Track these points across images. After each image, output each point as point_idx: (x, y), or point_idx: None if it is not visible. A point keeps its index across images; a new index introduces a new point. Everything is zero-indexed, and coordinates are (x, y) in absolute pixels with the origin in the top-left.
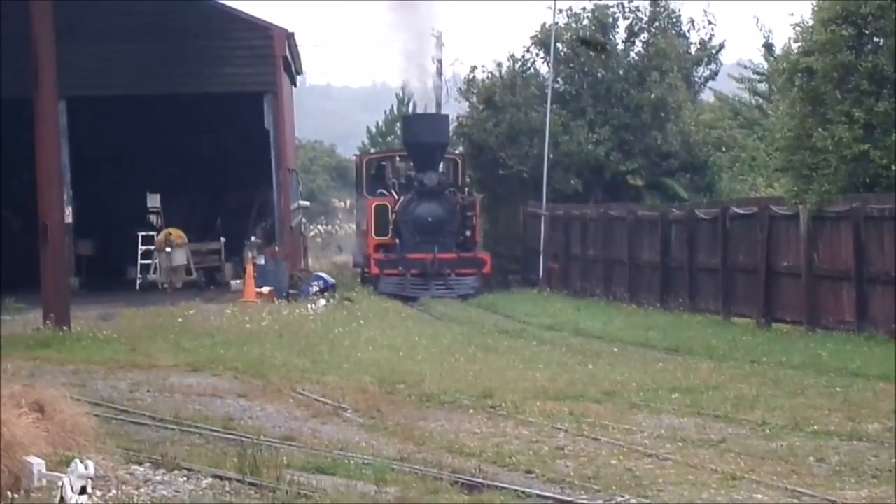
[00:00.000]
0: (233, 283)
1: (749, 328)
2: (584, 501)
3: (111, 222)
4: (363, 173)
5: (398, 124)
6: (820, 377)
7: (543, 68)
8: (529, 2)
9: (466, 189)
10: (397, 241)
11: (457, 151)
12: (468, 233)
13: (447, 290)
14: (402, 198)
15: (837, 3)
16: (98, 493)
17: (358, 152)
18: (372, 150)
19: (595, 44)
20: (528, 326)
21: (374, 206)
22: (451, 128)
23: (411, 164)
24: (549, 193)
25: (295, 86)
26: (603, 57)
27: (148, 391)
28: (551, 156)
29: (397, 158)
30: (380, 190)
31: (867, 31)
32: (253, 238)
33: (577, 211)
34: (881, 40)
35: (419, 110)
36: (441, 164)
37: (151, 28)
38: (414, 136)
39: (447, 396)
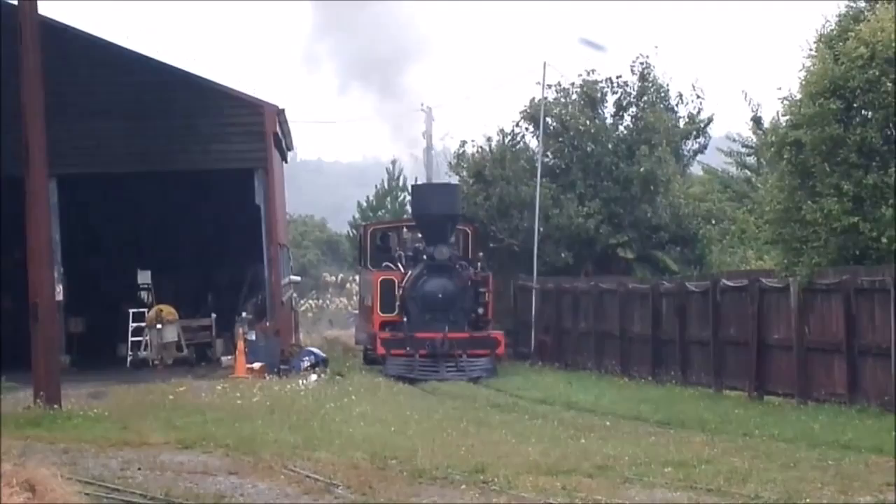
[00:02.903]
0: (224, 359)
1: (741, 401)
2: None
3: (102, 299)
4: (367, 245)
5: (388, 199)
6: (812, 450)
7: (533, 142)
8: (518, 77)
9: (479, 264)
10: (405, 318)
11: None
12: (480, 310)
13: (458, 373)
14: (409, 272)
15: (825, 76)
16: None
17: (352, 226)
18: (363, 222)
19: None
20: (519, 400)
21: (379, 280)
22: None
23: (419, 235)
24: (540, 266)
25: (286, 161)
26: (592, 131)
27: (139, 469)
28: (541, 229)
29: (404, 229)
30: (385, 263)
31: (855, 105)
32: (244, 314)
33: (568, 284)
34: (869, 113)
35: (409, 185)
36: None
37: (142, 106)
38: (424, 206)
39: (439, 472)
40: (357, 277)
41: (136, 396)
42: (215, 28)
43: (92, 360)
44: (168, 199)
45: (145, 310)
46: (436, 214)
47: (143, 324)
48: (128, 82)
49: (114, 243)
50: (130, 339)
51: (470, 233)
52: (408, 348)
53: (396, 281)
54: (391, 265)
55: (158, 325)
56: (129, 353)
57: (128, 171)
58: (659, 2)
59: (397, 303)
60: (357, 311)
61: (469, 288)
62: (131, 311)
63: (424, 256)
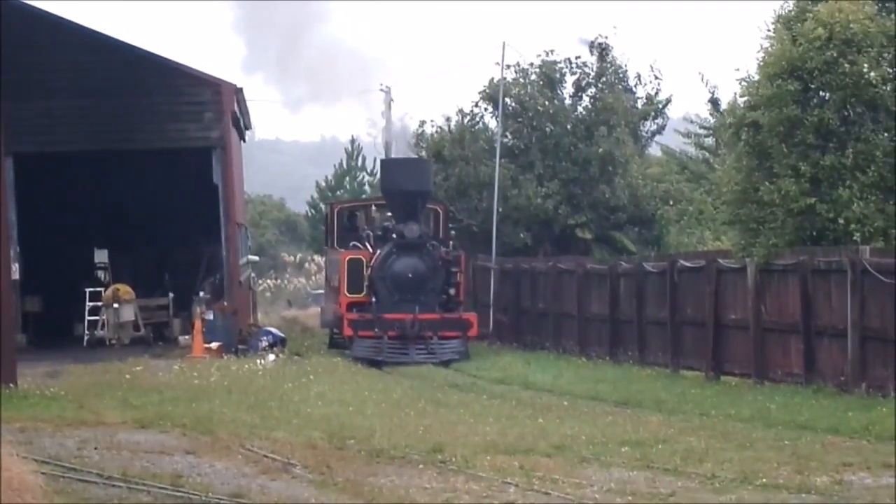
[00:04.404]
0: (181, 338)
1: (698, 381)
2: None
3: (58, 278)
4: (334, 224)
5: (347, 178)
6: (768, 430)
7: (492, 123)
8: (477, 57)
9: (451, 243)
10: (373, 299)
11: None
12: (452, 291)
13: (429, 355)
14: (378, 251)
15: (783, 57)
16: None
17: (310, 205)
18: (322, 201)
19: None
20: (478, 380)
21: (347, 259)
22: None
23: (388, 213)
24: (499, 247)
25: (244, 140)
26: (551, 111)
27: (96, 448)
28: (500, 210)
29: (373, 208)
30: (353, 242)
31: (813, 86)
32: (201, 293)
33: (527, 264)
34: (827, 94)
35: (368, 164)
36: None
37: (99, 84)
38: (394, 182)
39: (397, 451)
40: (318, 257)
41: (92, 376)
42: (172, 18)
43: (48, 339)
44: (125, 177)
45: (102, 289)
46: (406, 190)
47: (99, 303)
48: (85, 60)
49: (70, 222)
50: (87, 318)
51: (441, 212)
52: (376, 330)
53: (364, 260)
54: (359, 244)
55: (115, 305)
56: (86, 332)
57: (85, 150)
58: None
59: (365, 283)
60: (321, 292)
61: (440, 268)
62: (88, 290)
63: (394, 235)
